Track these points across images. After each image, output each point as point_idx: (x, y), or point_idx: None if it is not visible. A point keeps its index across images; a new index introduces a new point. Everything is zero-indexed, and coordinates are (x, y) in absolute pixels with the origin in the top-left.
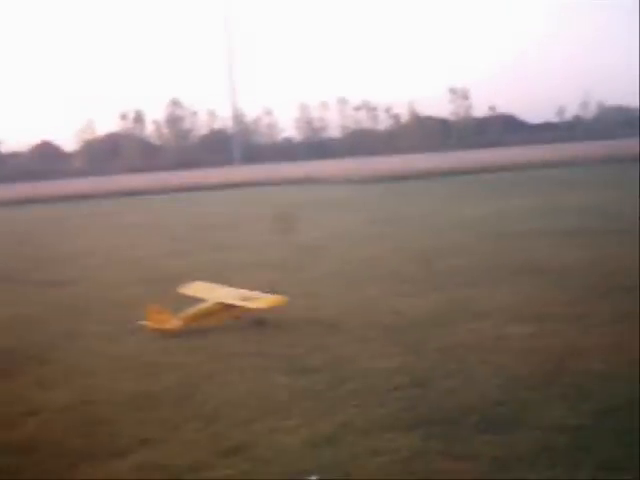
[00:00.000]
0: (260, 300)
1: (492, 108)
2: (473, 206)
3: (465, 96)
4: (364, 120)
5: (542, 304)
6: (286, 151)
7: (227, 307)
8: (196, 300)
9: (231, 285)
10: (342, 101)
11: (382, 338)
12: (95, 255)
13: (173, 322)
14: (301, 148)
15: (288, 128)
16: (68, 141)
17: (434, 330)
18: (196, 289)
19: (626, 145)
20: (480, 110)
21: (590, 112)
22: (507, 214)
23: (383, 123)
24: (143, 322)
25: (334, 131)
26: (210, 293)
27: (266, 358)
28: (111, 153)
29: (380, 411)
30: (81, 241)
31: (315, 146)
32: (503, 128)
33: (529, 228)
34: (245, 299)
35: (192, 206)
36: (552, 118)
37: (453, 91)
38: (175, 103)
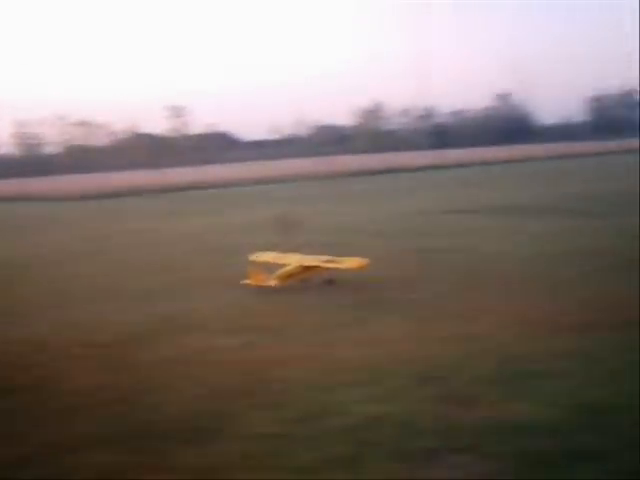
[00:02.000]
0: (347, 261)
1: (210, 126)
2: (185, 222)
3: (182, 114)
4: (83, 137)
5: (249, 316)
6: (3, 168)
7: (308, 268)
8: None
9: None
10: (61, 118)
11: (90, 356)
12: None
13: (271, 281)
14: (18, 164)
15: (4, 144)
16: None
17: (142, 346)
18: (267, 257)
19: (338, 161)
20: (198, 128)
21: (303, 130)
22: (220, 229)
23: (102, 140)
24: (246, 281)
25: (53, 147)
26: (284, 259)
27: None
28: None
29: (86, 428)
30: None
31: (33, 162)
32: (219, 145)
33: (239, 243)
34: (328, 262)
35: None
36: (267, 136)
37: (171, 109)
38: None
